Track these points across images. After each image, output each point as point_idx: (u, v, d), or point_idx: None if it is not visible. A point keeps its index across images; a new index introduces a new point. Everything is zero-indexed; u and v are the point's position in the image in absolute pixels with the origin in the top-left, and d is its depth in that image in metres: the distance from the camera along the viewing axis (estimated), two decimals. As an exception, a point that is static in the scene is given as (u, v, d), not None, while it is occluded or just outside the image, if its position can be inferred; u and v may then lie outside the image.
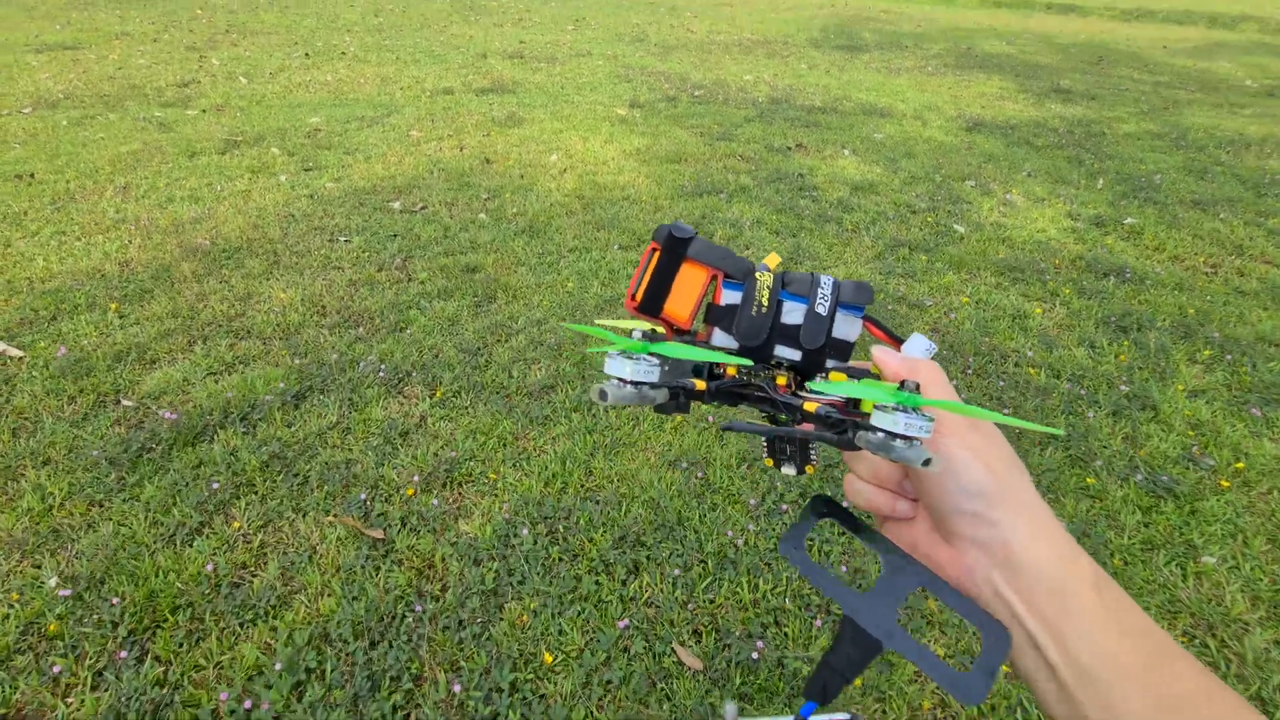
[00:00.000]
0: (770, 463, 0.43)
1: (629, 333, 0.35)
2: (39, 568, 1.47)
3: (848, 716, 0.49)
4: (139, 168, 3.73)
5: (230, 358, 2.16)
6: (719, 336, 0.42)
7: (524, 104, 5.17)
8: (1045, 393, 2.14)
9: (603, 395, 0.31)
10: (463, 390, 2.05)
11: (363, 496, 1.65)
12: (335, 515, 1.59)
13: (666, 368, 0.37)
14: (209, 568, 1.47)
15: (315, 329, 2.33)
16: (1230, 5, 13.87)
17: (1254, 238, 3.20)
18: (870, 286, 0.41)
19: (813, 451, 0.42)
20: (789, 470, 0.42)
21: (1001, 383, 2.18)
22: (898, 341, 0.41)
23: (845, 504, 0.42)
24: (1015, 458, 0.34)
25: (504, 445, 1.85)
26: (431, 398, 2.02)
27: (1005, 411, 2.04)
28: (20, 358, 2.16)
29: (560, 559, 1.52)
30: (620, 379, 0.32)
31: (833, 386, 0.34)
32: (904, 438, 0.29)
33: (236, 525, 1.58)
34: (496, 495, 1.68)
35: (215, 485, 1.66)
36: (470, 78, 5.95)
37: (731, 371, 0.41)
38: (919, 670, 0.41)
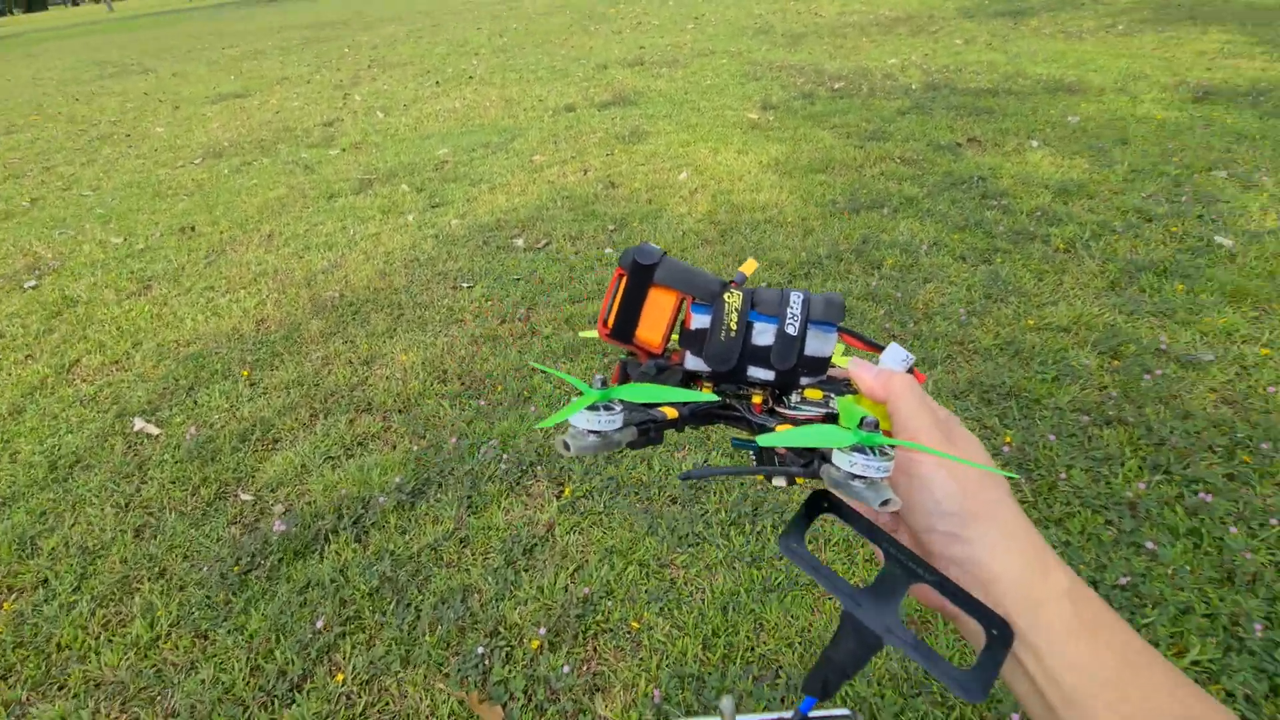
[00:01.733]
0: (762, 476, 0.38)
1: (593, 378, 0.34)
2: (136, 725, 1.28)
3: (847, 713, 0.47)
4: (283, 213, 3.78)
5: (349, 438, 1.96)
6: (692, 360, 0.40)
7: (647, 115, 4.80)
8: None
9: (565, 446, 0.32)
10: (594, 490, 1.69)
11: (480, 650, 1.32)
12: (446, 686, 1.28)
13: (629, 410, 0.35)
14: (306, 745, 1.21)
15: (435, 400, 2.09)
16: None
17: None
18: (841, 300, 0.39)
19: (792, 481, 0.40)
20: (779, 483, 0.38)
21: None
22: (878, 349, 0.40)
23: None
24: (990, 472, 0.33)
25: (647, 574, 1.46)
26: (559, 498, 1.68)
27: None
28: (157, 436, 2.09)
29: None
30: (583, 429, 0.32)
31: (784, 437, 0.32)
32: (862, 478, 0.29)
33: (340, 679, 1.31)
34: (641, 659, 1.29)
35: (320, 623, 1.41)
36: (592, 91, 5.68)
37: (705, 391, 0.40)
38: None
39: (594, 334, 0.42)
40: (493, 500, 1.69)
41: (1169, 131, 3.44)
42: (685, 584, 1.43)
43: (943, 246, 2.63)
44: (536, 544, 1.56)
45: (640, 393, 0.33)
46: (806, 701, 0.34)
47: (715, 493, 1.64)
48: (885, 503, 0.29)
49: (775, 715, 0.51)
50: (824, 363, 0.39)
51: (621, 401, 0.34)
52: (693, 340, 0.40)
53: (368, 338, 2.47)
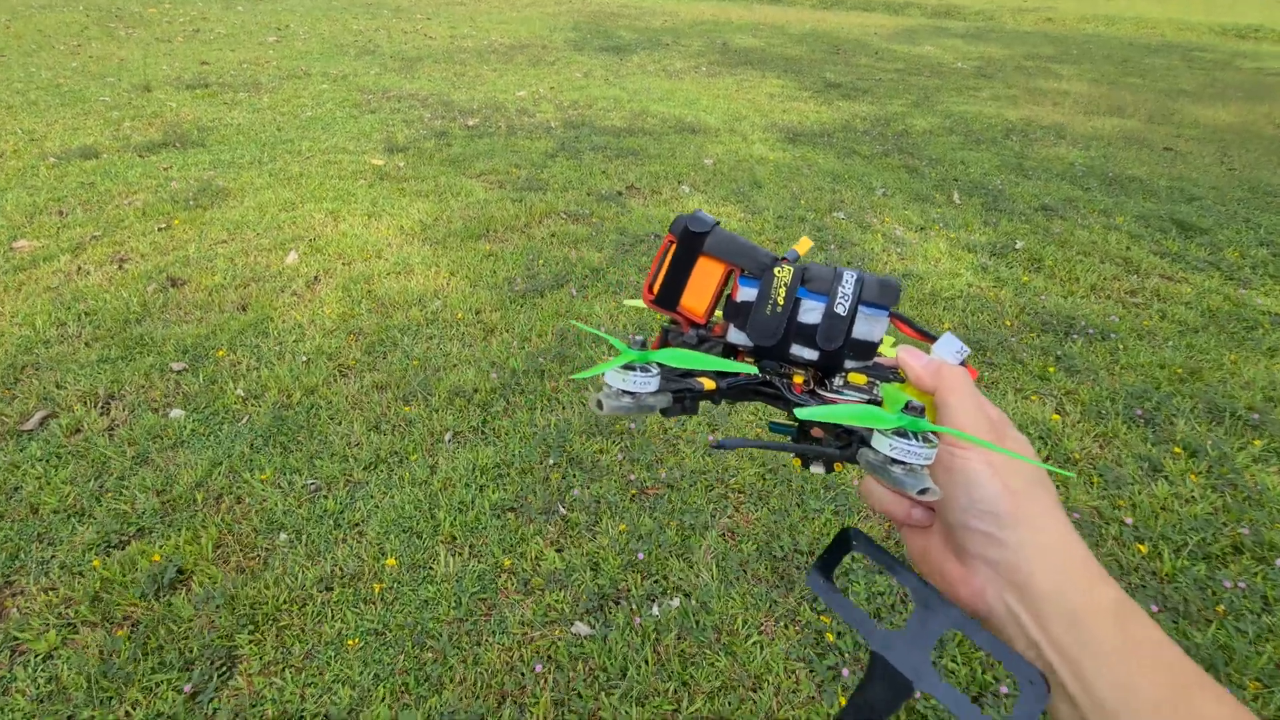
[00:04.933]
0: (798, 463, 0.39)
1: (629, 339, 0.32)
2: None
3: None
4: None
5: None
6: (735, 333, 0.38)
7: (223, 162, 3.44)
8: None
9: (599, 405, 0.31)
10: None
11: None
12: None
13: (666, 376, 0.34)
14: None
15: None
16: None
17: (1129, 247, 2.96)
18: (897, 284, 0.37)
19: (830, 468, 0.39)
20: (818, 470, 0.38)
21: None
22: (930, 339, 0.37)
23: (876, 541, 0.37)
24: (1041, 475, 0.31)
25: None
26: None
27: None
28: None
29: None
30: (618, 389, 0.31)
31: (825, 412, 0.30)
32: (901, 463, 0.28)
33: None
34: None
35: None
36: (128, 125, 3.93)
37: (741, 373, 0.38)
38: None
39: (638, 302, 0.42)
40: None
41: (785, 173, 3.69)
42: None
43: (648, 324, 2.20)
44: None
45: (679, 357, 0.33)
46: None
47: None
48: (924, 491, 0.28)
49: None
50: (872, 347, 0.37)
51: (659, 366, 0.33)
52: (737, 312, 0.38)
53: None
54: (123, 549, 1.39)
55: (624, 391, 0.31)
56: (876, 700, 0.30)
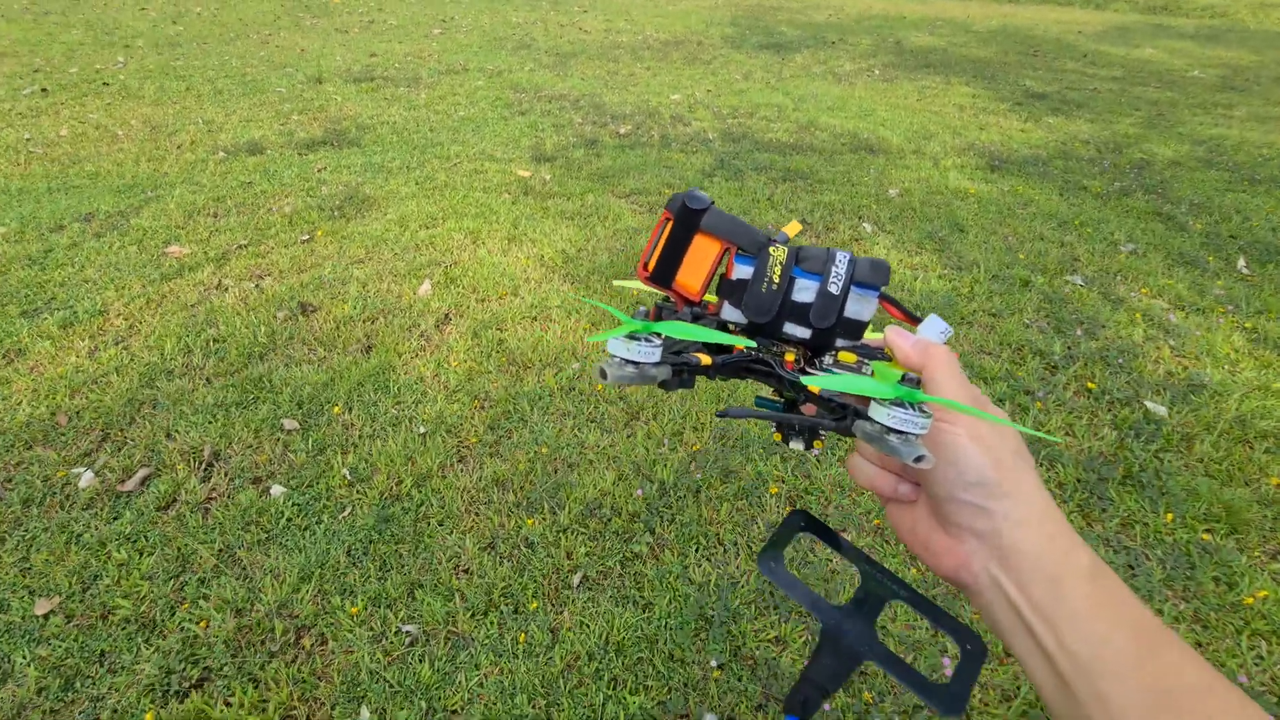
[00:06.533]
0: (779, 437, 0.40)
1: (635, 309, 0.34)
2: None
3: None
4: None
5: None
6: (729, 310, 0.39)
7: (375, 166, 3.28)
8: None
9: (603, 374, 0.32)
10: None
11: None
12: None
13: (670, 346, 0.35)
14: None
15: None
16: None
17: None
18: (887, 265, 0.38)
19: (820, 435, 0.39)
20: (796, 445, 0.39)
21: None
22: (915, 320, 0.38)
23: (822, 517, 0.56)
24: (1023, 448, 0.32)
25: None
26: None
27: None
28: None
29: None
30: (621, 358, 0.32)
31: (828, 381, 0.31)
32: (898, 432, 0.29)
33: None
34: None
35: None
36: (295, 120, 3.93)
37: (739, 347, 0.39)
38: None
39: (631, 283, 0.42)
40: None
41: (993, 213, 2.96)
42: None
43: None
44: None
45: (681, 329, 0.33)
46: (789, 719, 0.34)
47: None
48: (920, 459, 0.28)
49: None
50: (862, 326, 0.38)
51: (661, 337, 0.33)
52: (732, 290, 0.39)
53: None
54: (182, 700, 1.11)
55: (627, 361, 0.32)
56: (827, 673, 0.32)
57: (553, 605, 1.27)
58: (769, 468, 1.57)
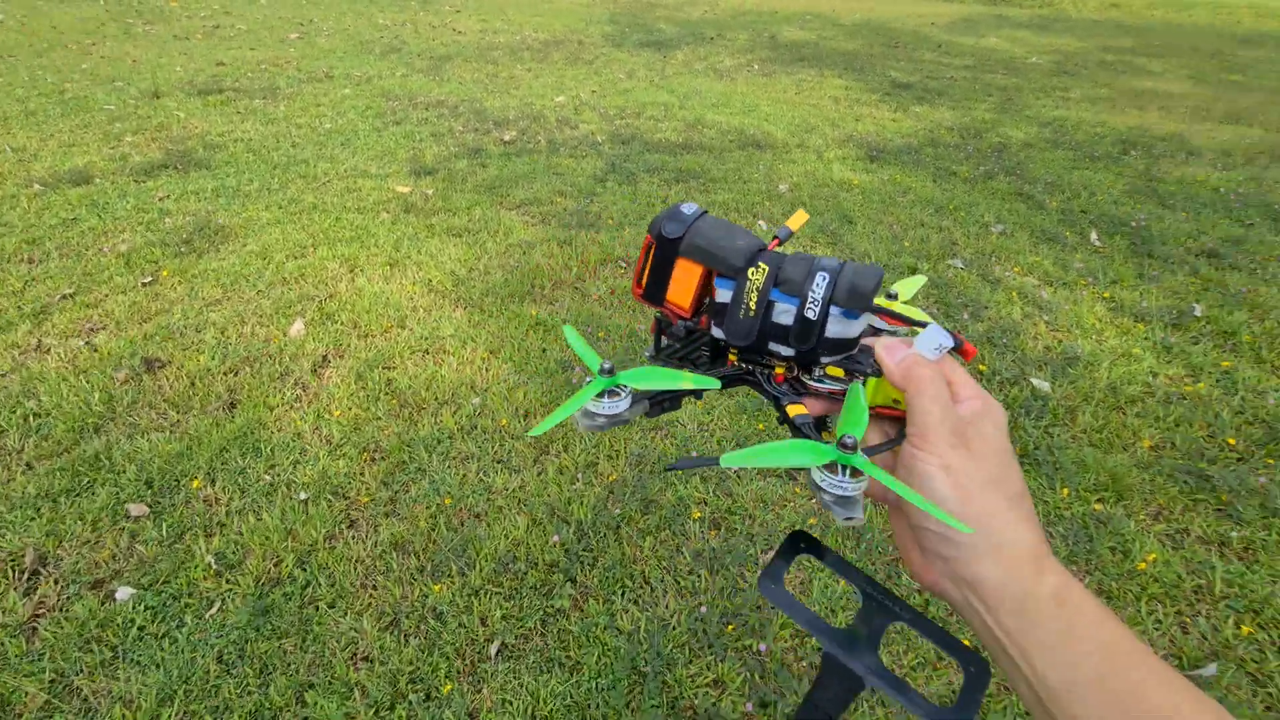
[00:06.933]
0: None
1: (600, 368, 0.34)
2: None
3: None
4: None
5: None
6: (717, 329, 0.39)
7: (228, 190, 2.93)
8: None
9: (578, 425, 0.33)
10: None
11: None
12: None
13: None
14: None
15: None
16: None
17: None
18: (871, 286, 0.35)
19: (829, 426, 0.39)
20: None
21: None
22: (917, 326, 0.37)
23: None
24: (999, 474, 0.31)
25: None
26: None
27: None
28: None
29: None
30: (590, 413, 0.33)
31: (749, 457, 0.30)
32: (829, 494, 0.30)
33: None
34: None
35: None
36: (128, 142, 3.45)
37: (732, 359, 0.40)
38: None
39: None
40: None
41: (876, 203, 3.08)
42: None
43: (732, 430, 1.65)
44: None
45: (644, 377, 0.34)
46: None
47: None
48: (849, 519, 0.29)
49: None
50: (849, 343, 0.37)
51: (627, 389, 0.34)
52: (716, 312, 0.39)
53: None
54: None
55: (596, 414, 0.33)
56: (829, 698, 0.31)
57: (470, 684, 1.14)
58: (689, 490, 1.51)
